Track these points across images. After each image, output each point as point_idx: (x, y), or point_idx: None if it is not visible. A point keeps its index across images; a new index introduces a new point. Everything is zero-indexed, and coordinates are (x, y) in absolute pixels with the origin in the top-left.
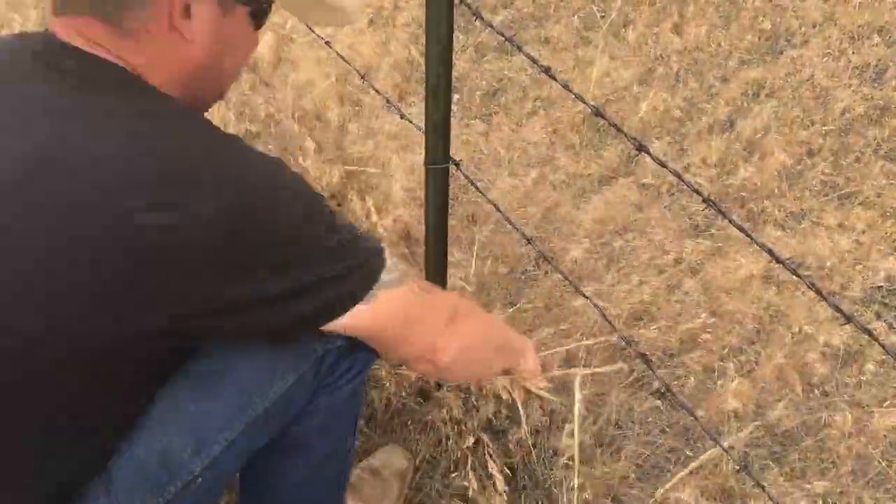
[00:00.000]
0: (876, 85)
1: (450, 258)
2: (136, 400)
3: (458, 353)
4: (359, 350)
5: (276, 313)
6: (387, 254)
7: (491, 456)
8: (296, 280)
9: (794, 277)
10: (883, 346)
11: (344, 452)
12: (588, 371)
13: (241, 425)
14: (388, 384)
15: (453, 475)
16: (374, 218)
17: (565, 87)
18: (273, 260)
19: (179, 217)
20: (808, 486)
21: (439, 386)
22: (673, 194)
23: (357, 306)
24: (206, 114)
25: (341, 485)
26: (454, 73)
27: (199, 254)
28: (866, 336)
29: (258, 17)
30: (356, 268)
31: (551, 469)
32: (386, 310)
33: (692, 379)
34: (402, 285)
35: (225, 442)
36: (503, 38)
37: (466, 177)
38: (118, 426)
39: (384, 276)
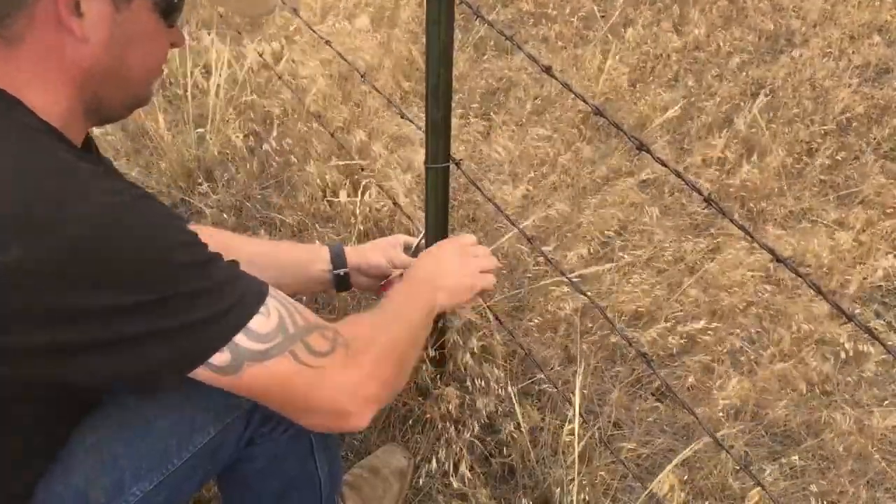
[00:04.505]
0: (876, 84)
1: None
2: (45, 436)
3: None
4: None
5: (102, 362)
6: (264, 308)
7: (490, 455)
8: (111, 331)
9: (795, 276)
10: (884, 345)
11: (308, 486)
12: None
13: (159, 476)
14: None
15: (452, 474)
16: (375, 217)
17: (566, 86)
18: (97, 306)
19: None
20: (808, 485)
21: (437, 382)
22: (673, 194)
23: (219, 377)
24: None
25: None
26: (454, 73)
27: (13, 296)
28: (866, 335)
29: (166, 12)
30: (201, 322)
31: (551, 468)
32: (257, 386)
33: (692, 378)
34: (279, 355)
35: (141, 492)
36: (503, 37)
37: (467, 176)
38: (33, 461)
39: (254, 345)
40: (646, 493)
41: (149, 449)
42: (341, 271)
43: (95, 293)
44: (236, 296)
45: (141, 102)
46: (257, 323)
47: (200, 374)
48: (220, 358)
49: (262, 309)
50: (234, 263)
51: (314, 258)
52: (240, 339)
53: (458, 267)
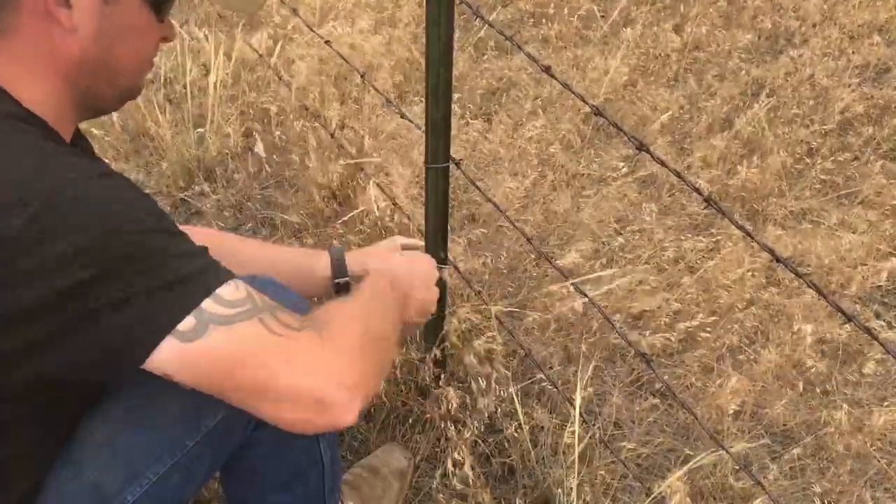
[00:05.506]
0: (876, 84)
1: (450, 258)
2: (49, 433)
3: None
4: None
5: (72, 344)
6: (231, 282)
7: (490, 455)
8: (79, 305)
9: (794, 276)
10: (883, 346)
11: (313, 472)
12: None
13: (172, 460)
14: (385, 382)
15: (453, 474)
16: (374, 217)
17: (566, 86)
18: (54, 285)
19: None
20: (808, 485)
21: (438, 382)
22: (673, 194)
23: (184, 347)
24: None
25: (321, 501)
26: (454, 73)
27: None
28: (866, 335)
29: (157, 6)
30: (161, 288)
31: (551, 468)
32: (223, 355)
33: (692, 378)
34: (247, 320)
35: (155, 477)
36: (503, 37)
37: (466, 176)
38: (37, 458)
39: (221, 310)
40: (650, 498)
41: (160, 434)
42: (342, 280)
43: (57, 271)
44: (202, 264)
45: (132, 95)
46: (225, 291)
47: (166, 348)
48: (185, 324)
49: (229, 281)
50: (203, 248)
51: (314, 264)
52: (206, 304)
53: (427, 279)
